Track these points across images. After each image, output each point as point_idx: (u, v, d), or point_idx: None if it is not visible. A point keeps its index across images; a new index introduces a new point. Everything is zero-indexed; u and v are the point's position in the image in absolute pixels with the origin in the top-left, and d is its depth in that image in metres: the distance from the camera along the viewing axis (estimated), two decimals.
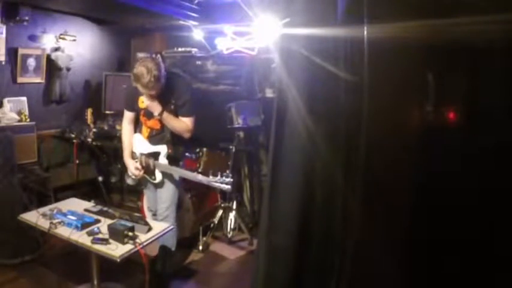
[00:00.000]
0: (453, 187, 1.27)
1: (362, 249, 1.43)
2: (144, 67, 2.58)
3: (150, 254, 2.95)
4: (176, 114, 2.87)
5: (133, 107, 2.97)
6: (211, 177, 2.79)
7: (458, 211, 1.26)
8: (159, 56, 2.70)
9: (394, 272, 1.41)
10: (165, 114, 2.79)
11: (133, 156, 3.05)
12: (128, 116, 3.05)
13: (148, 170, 2.97)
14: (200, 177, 2.87)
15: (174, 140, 2.95)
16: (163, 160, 2.93)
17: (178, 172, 2.98)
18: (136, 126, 3.11)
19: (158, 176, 2.95)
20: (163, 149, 2.94)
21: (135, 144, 3.07)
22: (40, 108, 4.49)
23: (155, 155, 2.95)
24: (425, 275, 1.36)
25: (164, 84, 2.72)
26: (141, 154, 3.00)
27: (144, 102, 2.80)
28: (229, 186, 2.75)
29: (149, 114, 2.91)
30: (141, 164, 2.95)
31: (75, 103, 4.92)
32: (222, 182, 2.74)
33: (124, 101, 3.07)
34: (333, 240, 1.50)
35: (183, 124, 2.87)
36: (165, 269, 3.02)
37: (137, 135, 3.07)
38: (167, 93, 2.80)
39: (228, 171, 3.31)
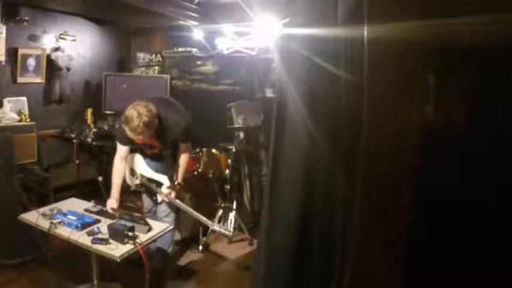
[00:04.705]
0: (453, 187, 1.27)
1: (362, 249, 1.43)
2: (135, 111, 2.49)
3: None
4: (174, 142, 2.91)
5: (128, 142, 2.84)
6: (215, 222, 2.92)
7: (458, 211, 1.26)
8: (152, 105, 2.60)
9: (394, 272, 1.41)
10: (180, 181, 2.99)
11: (132, 173, 3.09)
12: (122, 150, 2.88)
13: (150, 192, 3.05)
14: (205, 220, 2.96)
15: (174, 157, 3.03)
16: (165, 191, 2.95)
17: (181, 207, 3.00)
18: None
19: (159, 197, 3.01)
20: (165, 181, 2.97)
21: (136, 162, 3.09)
22: (40, 108, 4.50)
23: (157, 183, 2.99)
24: (425, 275, 1.36)
25: (159, 127, 2.66)
26: (142, 176, 3.04)
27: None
28: (230, 234, 3.08)
29: (149, 147, 2.93)
30: (142, 184, 3.05)
31: (75, 103, 4.93)
32: (225, 229, 2.97)
33: (117, 136, 2.92)
34: (333, 240, 1.50)
35: (188, 157, 3.01)
36: (161, 268, 3.01)
37: (137, 155, 3.09)
38: (164, 133, 2.77)
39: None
